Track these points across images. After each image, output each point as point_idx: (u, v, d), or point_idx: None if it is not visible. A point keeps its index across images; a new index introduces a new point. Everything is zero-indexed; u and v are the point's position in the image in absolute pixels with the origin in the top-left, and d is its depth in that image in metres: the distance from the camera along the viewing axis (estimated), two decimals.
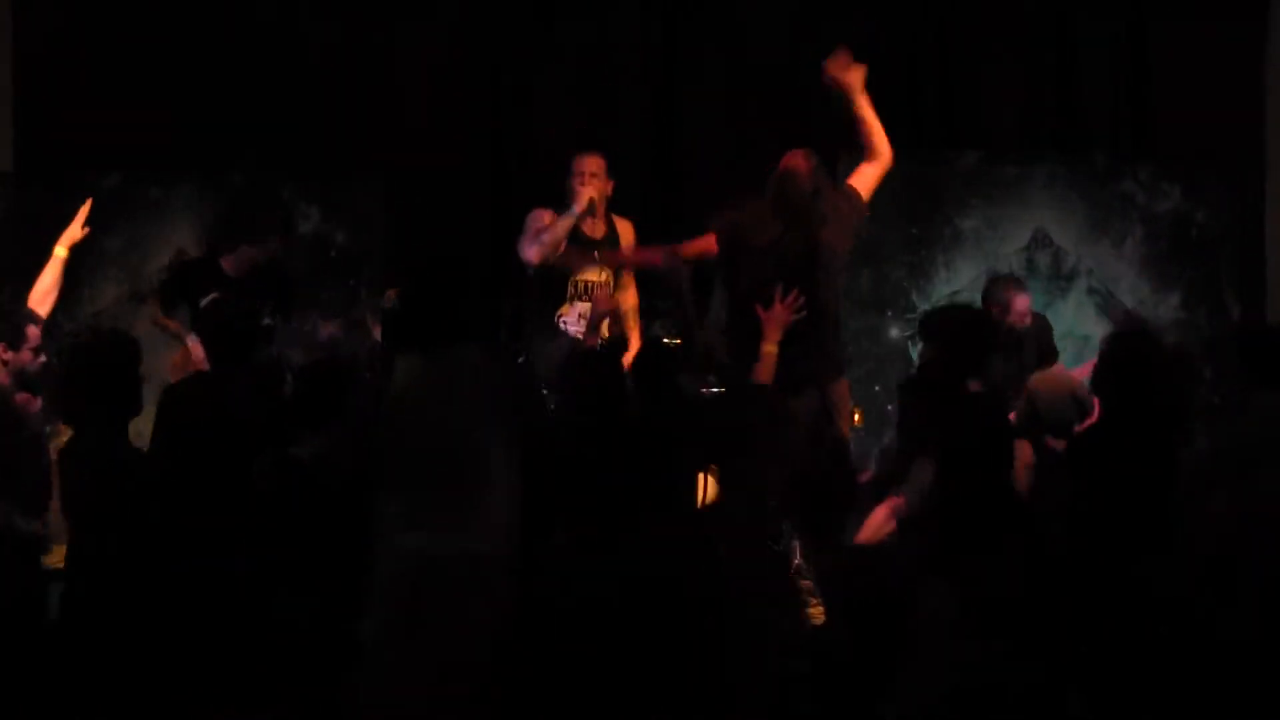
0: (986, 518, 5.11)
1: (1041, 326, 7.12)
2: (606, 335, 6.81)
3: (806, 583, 6.18)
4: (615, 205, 7.07)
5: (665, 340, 7.44)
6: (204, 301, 6.02)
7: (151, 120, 8.02)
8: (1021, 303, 6.95)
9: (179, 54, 8.08)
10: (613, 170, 7.14)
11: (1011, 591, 5.04)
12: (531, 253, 6.84)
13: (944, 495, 5.23)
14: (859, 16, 8.29)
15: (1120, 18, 8.33)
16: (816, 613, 6.19)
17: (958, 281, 7.73)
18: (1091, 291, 7.94)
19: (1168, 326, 7.87)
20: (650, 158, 8.35)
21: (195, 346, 6.98)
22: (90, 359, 5.04)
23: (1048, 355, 7.17)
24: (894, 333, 7.73)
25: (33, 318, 6.16)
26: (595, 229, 6.97)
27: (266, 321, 6.54)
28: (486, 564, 4.75)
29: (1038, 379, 5.95)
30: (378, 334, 7.67)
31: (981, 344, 5.40)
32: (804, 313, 5.94)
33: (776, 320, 5.90)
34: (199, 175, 7.84)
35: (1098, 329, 7.84)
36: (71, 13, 8.12)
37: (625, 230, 7.08)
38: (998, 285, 7.05)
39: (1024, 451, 5.61)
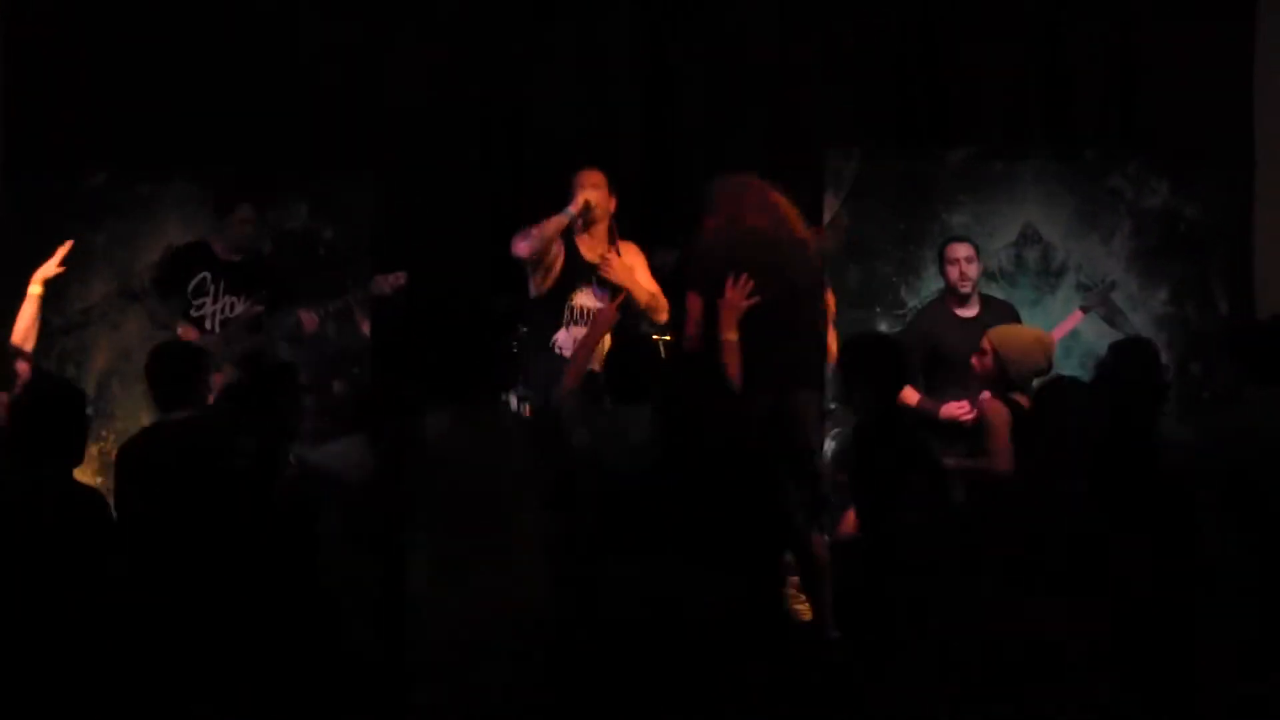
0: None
1: (1001, 313, 7.11)
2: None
3: (794, 579, 6.23)
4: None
5: (655, 337, 7.46)
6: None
7: (139, 116, 8.01)
8: (956, 250, 7.02)
9: (168, 49, 8.07)
10: (606, 167, 7.14)
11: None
12: (521, 247, 6.83)
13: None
14: (850, 12, 8.30)
15: (1110, 14, 8.33)
16: (803, 609, 6.24)
17: None
18: (1080, 287, 7.94)
19: (1157, 321, 7.90)
20: (643, 154, 8.34)
21: (186, 331, 7.03)
22: (37, 405, 5.06)
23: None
24: (883, 329, 7.71)
25: (21, 354, 6.18)
26: (593, 249, 6.92)
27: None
28: (527, 614, 4.85)
29: (1000, 334, 5.94)
30: (366, 328, 7.70)
31: (881, 373, 5.40)
32: (758, 297, 5.95)
33: (732, 307, 5.94)
34: (188, 171, 7.83)
35: (1085, 325, 7.85)
36: (60, 8, 8.10)
37: (630, 253, 7.03)
38: (941, 249, 7.16)
39: (1000, 411, 5.64)
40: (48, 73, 8.05)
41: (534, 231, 6.80)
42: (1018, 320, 7.14)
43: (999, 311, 7.11)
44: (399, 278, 7.33)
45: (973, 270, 7.08)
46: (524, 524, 4.91)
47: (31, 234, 7.66)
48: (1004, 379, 5.76)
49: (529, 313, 6.98)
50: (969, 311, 7.07)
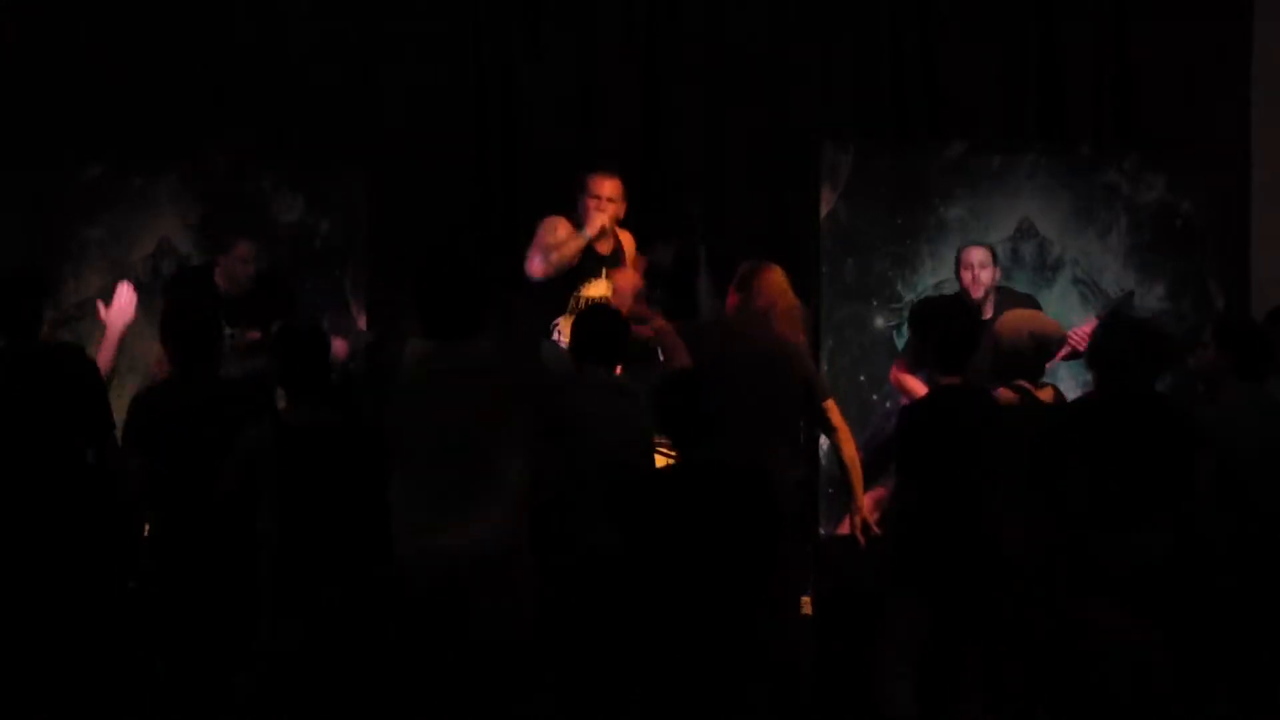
0: (947, 527, 5.10)
1: (1017, 299, 7.08)
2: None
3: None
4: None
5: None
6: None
7: (135, 109, 8.00)
8: (971, 254, 6.93)
9: (162, 42, 8.06)
10: (602, 159, 7.16)
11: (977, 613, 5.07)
12: (537, 267, 6.92)
13: (903, 500, 5.23)
14: (847, 5, 8.29)
15: (1107, 8, 8.33)
16: (805, 602, 6.23)
17: (943, 271, 7.71)
18: (1076, 281, 7.93)
19: (1153, 317, 7.89)
20: (638, 147, 8.32)
21: None
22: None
23: None
24: (879, 322, 7.71)
25: None
26: (604, 245, 7.07)
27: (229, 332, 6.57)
28: (499, 557, 4.79)
29: (1004, 316, 5.88)
30: (363, 323, 7.69)
31: (956, 336, 5.35)
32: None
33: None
34: (182, 165, 7.82)
35: (1081, 320, 7.85)
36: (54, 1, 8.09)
37: (626, 241, 7.17)
38: (958, 253, 7.09)
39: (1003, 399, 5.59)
40: (42, 66, 8.03)
41: (553, 256, 6.91)
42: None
43: (1015, 306, 7.07)
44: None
45: (986, 276, 7.08)
46: (498, 465, 4.86)
47: (27, 227, 7.67)
48: (1000, 366, 5.68)
49: (532, 294, 7.01)
50: (983, 315, 7.05)
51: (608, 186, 7.03)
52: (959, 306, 5.62)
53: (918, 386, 6.74)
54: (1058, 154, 8.00)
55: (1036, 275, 7.90)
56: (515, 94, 8.27)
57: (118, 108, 8.02)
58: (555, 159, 8.02)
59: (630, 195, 7.41)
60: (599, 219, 6.90)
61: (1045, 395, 5.62)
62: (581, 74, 8.28)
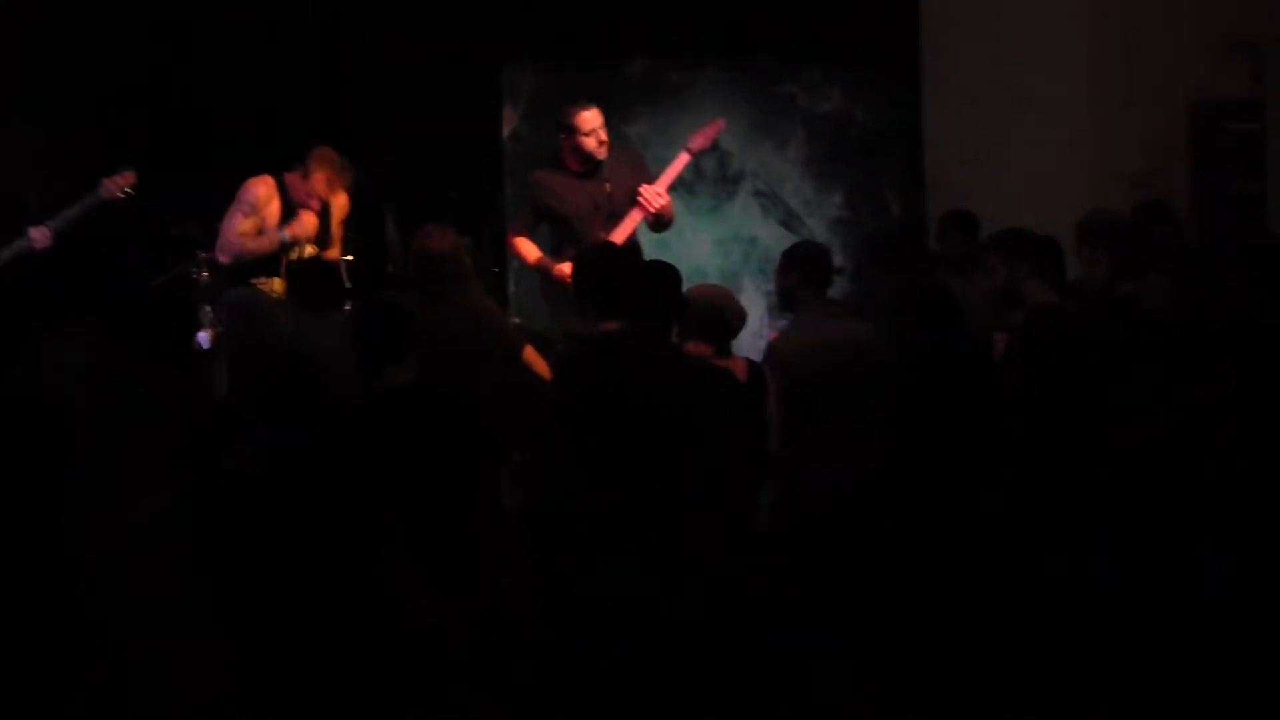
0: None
1: (631, 158, 6.99)
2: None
3: None
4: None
5: None
6: None
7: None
8: (590, 120, 6.66)
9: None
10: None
11: None
12: (226, 256, 6.72)
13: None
14: None
15: None
16: None
17: None
18: (757, 194, 8.12)
19: (831, 225, 8.13)
20: (316, 72, 8.21)
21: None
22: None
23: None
24: None
25: None
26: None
27: None
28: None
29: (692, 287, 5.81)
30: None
31: (612, 283, 5.30)
32: None
33: None
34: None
35: (763, 231, 8.06)
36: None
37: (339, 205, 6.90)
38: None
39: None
40: None
41: (249, 245, 6.66)
42: (641, 162, 7.03)
43: (626, 158, 6.91)
44: (127, 177, 6.97)
45: (605, 134, 6.76)
46: None
47: None
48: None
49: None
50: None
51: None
52: (612, 253, 5.60)
53: (530, 252, 6.70)
54: (736, 68, 8.13)
55: (718, 188, 8.07)
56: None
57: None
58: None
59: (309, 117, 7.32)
60: (308, 221, 6.68)
61: (735, 365, 5.51)
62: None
